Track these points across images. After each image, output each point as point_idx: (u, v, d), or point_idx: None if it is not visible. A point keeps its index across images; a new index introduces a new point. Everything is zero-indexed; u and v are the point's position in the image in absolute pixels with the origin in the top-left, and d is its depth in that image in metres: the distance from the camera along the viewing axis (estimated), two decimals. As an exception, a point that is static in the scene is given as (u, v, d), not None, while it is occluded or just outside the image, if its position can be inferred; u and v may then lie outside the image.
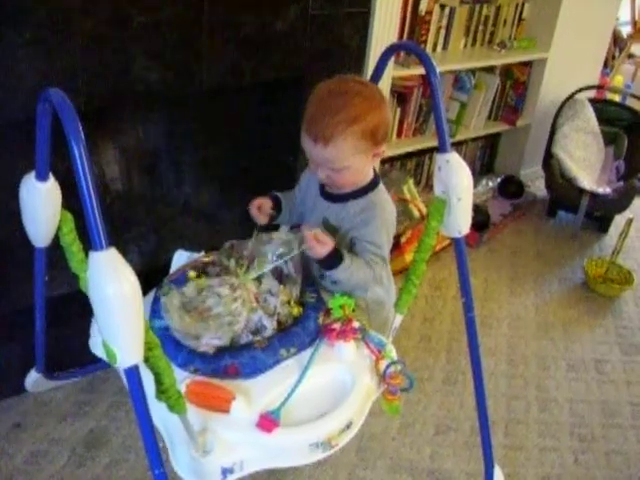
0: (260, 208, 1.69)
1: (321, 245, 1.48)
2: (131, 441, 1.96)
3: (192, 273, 1.57)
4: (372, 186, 1.62)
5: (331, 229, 1.61)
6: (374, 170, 1.65)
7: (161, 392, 1.15)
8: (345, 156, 1.49)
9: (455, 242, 1.59)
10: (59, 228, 1.42)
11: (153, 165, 2.42)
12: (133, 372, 1.06)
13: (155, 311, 1.48)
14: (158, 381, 1.14)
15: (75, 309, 1.98)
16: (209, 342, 1.37)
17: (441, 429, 2.14)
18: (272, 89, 2.34)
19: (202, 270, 1.58)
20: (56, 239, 1.46)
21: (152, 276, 1.55)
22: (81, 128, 0.99)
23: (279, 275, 1.54)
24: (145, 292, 1.06)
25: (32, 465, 1.87)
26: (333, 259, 1.51)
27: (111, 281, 1.00)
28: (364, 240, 1.57)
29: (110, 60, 1.79)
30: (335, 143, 1.45)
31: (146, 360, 1.10)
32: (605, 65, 4.54)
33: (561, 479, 2.02)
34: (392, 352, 1.52)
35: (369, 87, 1.55)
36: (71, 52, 1.71)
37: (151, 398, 1.14)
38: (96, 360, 1.78)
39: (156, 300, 1.51)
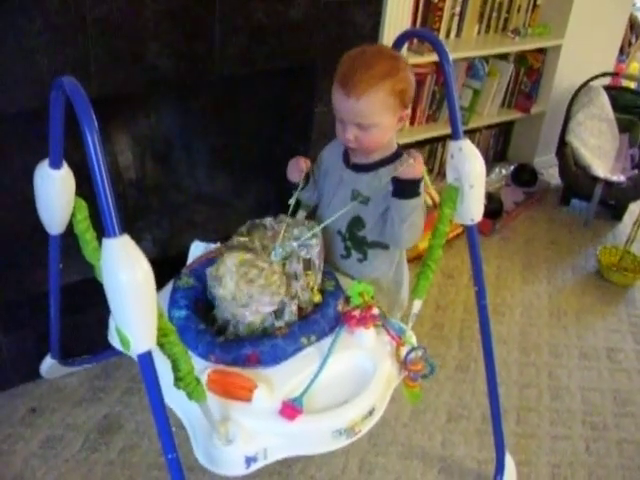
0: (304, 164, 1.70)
1: (419, 166, 1.55)
2: (144, 427, 1.98)
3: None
4: (399, 155, 1.64)
5: (364, 200, 1.63)
6: (397, 143, 1.68)
7: (179, 379, 1.15)
8: (375, 110, 1.51)
9: (468, 230, 1.60)
10: (73, 215, 1.43)
11: (166, 153, 2.42)
12: (146, 358, 1.07)
13: (174, 301, 1.48)
14: (175, 368, 1.15)
15: (90, 296, 2.00)
16: (260, 309, 1.38)
17: (453, 416, 2.15)
18: (285, 77, 2.34)
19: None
20: (70, 227, 1.47)
21: (165, 264, 1.55)
22: (94, 115, 0.99)
23: (303, 261, 1.54)
24: (158, 280, 1.07)
25: (47, 450, 1.89)
26: (419, 185, 1.57)
27: (124, 267, 1.00)
28: None
29: (123, 47, 1.79)
30: (368, 96, 1.48)
31: (161, 346, 1.11)
32: (621, 52, 4.49)
33: (573, 467, 2.02)
34: (412, 338, 1.52)
35: (397, 52, 1.63)
36: (84, 40, 1.71)
37: (171, 387, 1.15)
38: (110, 347, 1.79)
39: (175, 290, 1.51)
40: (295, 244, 1.52)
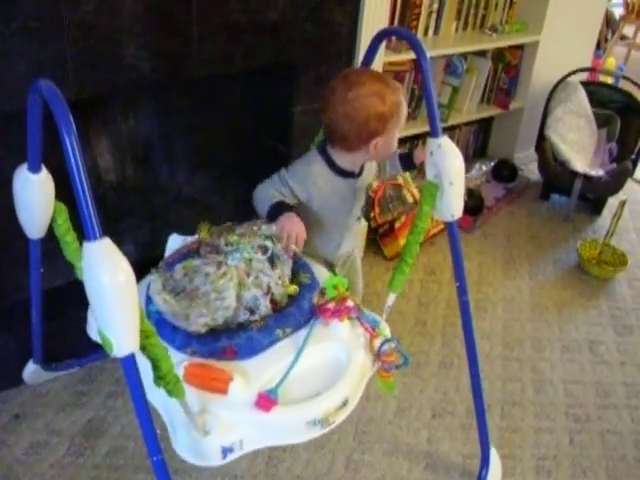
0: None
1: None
2: (129, 430, 1.97)
3: (203, 232, 1.62)
4: None
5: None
6: None
7: (159, 378, 1.16)
8: None
9: (448, 226, 1.61)
10: (53, 219, 1.42)
11: (146, 155, 2.41)
12: (130, 360, 1.07)
13: (150, 296, 1.49)
14: (156, 368, 1.15)
15: (71, 300, 1.99)
16: (196, 320, 1.38)
17: (437, 412, 2.16)
18: (264, 76, 2.34)
19: (195, 251, 1.59)
20: (50, 231, 1.47)
21: (147, 266, 1.55)
22: (72, 118, 0.99)
23: (270, 258, 1.55)
24: (139, 282, 1.07)
25: (32, 455, 1.88)
26: None
27: (106, 271, 1.00)
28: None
29: (100, 49, 1.78)
30: None
31: (143, 348, 1.11)
32: (598, 47, 4.54)
33: (557, 460, 2.04)
34: (386, 330, 1.55)
35: None
36: (60, 41, 1.70)
37: (151, 383, 1.15)
38: (93, 351, 1.78)
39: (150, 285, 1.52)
40: (250, 244, 1.53)
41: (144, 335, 1.09)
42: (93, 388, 2.12)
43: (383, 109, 1.57)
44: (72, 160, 0.98)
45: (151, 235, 2.47)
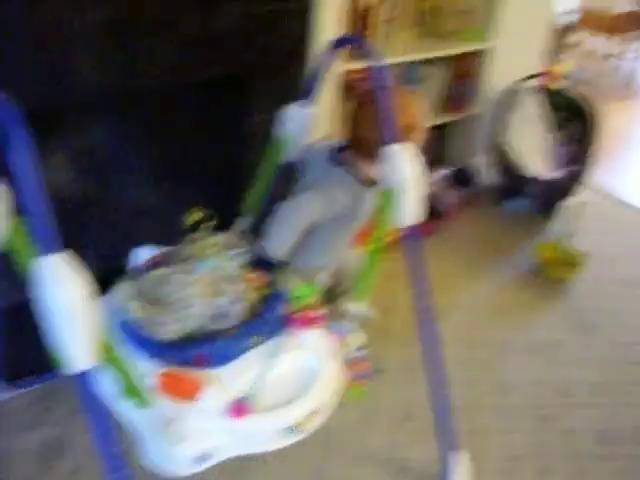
0: None
1: None
2: (94, 446, 1.94)
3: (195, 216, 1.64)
4: None
5: None
6: None
7: (124, 390, 1.15)
8: None
9: (405, 233, 1.62)
10: (11, 234, 1.40)
11: (103, 168, 2.39)
12: (84, 377, 1.05)
13: (120, 305, 1.48)
14: (120, 381, 1.14)
15: (30, 317, 1.96)
16: (165, 328, 1.37)
17: (404, 417, 2.17)
18: (217, 88, 2.33)
19: (163, 262, 1.59)
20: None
21: (107, 279, 1.54)
22: (24, 130, 0.98)
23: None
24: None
25: (-8, 477, 1.84)
26: None
27: (59, 286, 0.99)
28: None
29: (49, 63, 1.76)
30: None
31: (104, 362, 1.10)
32: (549, 54, 4.61)
33: (522, 460, 2.06)
34: (357, 339, 1.55)
35: None
36: (9, 56, 1.68)
37: (116, 395, 1.14)
38: (54, 368, 1.75)
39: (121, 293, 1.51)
40: (222, 253, 1.53)
41: (104, 349, 1.08)
42: (55, 405, 2.08)
43: (412, 120, 1.65)
44: (25, 172, 0.97)
45: (110, 249, 2.44)
